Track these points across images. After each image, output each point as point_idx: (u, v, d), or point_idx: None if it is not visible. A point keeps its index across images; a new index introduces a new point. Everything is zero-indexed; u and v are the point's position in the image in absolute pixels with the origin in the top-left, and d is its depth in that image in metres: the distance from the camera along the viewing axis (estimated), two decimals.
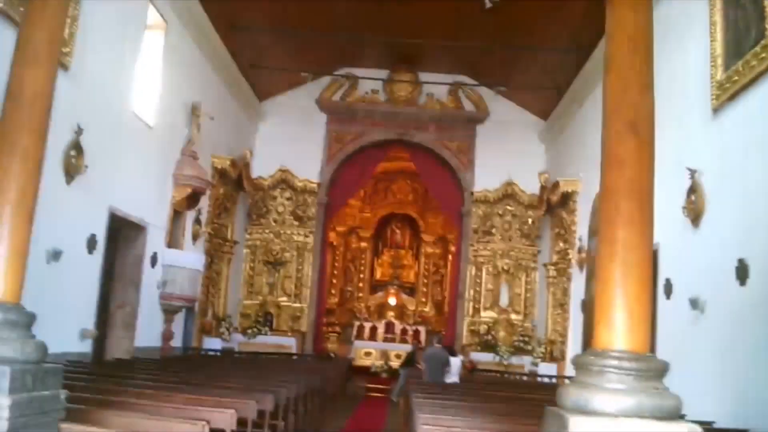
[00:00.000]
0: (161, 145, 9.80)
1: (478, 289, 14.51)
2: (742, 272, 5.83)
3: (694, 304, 6.64)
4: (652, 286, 2.84)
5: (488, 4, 9.96)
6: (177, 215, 10.49)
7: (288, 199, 14.77)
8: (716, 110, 6.57)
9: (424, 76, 14.91)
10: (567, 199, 12.10)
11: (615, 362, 2.61)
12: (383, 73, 14.95)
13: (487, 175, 14.77)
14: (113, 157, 8.20)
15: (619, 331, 2.66)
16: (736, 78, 6.07)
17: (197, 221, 11.32)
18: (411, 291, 20.29)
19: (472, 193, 14.71)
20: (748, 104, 5.98)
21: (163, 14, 9.46)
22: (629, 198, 2.77)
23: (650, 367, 2.60)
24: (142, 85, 9.15)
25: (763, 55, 5.58)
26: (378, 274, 20.68)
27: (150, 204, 9.53)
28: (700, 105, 6.91)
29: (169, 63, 9.83)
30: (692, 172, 6.86)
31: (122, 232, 9.07)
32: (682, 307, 6.99)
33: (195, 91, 10.90)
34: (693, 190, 6.90)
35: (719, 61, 6.58)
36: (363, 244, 20.72)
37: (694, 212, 6.87)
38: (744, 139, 6.04)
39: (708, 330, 6.55)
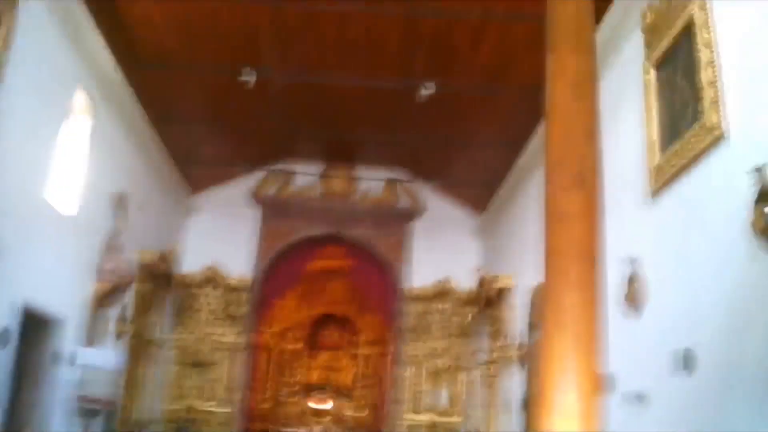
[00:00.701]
0: (82, 237, 9.29)
1: (416, 389, 14.01)
2: (689, 361, 5.60)
3: (639, 398, 6.36)
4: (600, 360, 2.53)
5: (422, 98, 10.04)
6: (98, 311, 9.87)
7: (218, 297, 14.17)
8: (655, 195, 6.48)
9: (360, 172, 14.81)
10: (503, 294, 11.89)
11: None
12: (319, 168, 14.79)
13: (422, 271, 14.53)
14: (28, 247, 7.69)
15: (567, 413, 2.31)
16: (674, 161, 6.01)
17: (122, 318, 10.69)
18: (348, 394, 19.54)
19: (407, 291, 14.40)
20: (687, 187, 5.89)
21: (91, 98, 9.13)
22: (578, 259, 2.48)
23: None
24: (64, 171, 8.72)
25: (700, 135, 5.52)
26: (314, 377, 19.92)
27: (68, 298, 8.95)
28: (637, 191, 6.83)
29: (95, 150, 9.44)
30: (632, 261, 6.72)
31: (36, 328, 8.43)
32: (624, 403, 6.71)
33: (122, 181, 10.50)
34: (633, 279, 6.73)
35: (656, 146, 6.54)
36: (297, 346, 19.99)
37: (636, 301, 6.68)
38: (684, 223, 5.92)
39: (654, 423, 6.26)
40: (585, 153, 2.61)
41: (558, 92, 2.67)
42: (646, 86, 6.86)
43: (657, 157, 6.50)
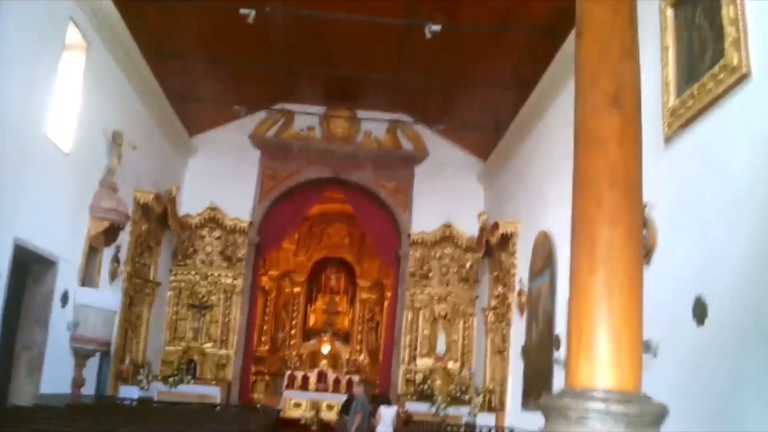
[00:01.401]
0: (77, 174, 9.04)
1: (414, 335, 13.90)
2: (699, 311, 5.41)
3: (646, 347, 6.19)
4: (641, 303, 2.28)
5: (428, 35, 9.69)
6: (93, 251, 9.69)
7: (217, 238, 13.98)
8: (669, 139, 6.22)
9: (362, 114, 14.49)
10: (506, 240, 11.70)
11: (600, 405, 2.01)
12: (320, 110, 14.47)
13: (425, 216, 14.31)
14: (21, 183, 7.44)
15: (602, 364, 2.07)
16: (690, 103, 5.73)
17: (116, 259, 10.51)
18: (345, 338, 19.60)
19: (409, 236, 14.19)
20: (704, 130, 5.63)
21: (84, 33, 8.78)
22: (613, 187, 2.21)
23: (645, 411, 2.02)
24: (59, 108, 8.43)
25: (721, 76, 5.24)
26: (311, 321, 19.95)
27: (62, 237, 8.73)
28: (651, 134, 6.55)
29: (90, 87, 9.13)
30: (643, 205, 6.49)
31: (30, 267, 8.26)
32: None
33: (118, 119, 10.19)
34: (643, 224, 6.51)
35: (671, 87, 6.25)
36: (296, 290, 20.00)
37: (645, 248, 6.47)
38: (699, 168, 5.67)
39: (662, 375, 6.10)
40: (622, 70, 2.32)
41: (592, 3, 2.36)
42: (662, 25, 6.52)
43: (672, 100, 6.22)
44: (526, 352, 10.29)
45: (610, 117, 2.29)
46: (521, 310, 10.80)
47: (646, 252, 6.45)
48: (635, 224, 2.24)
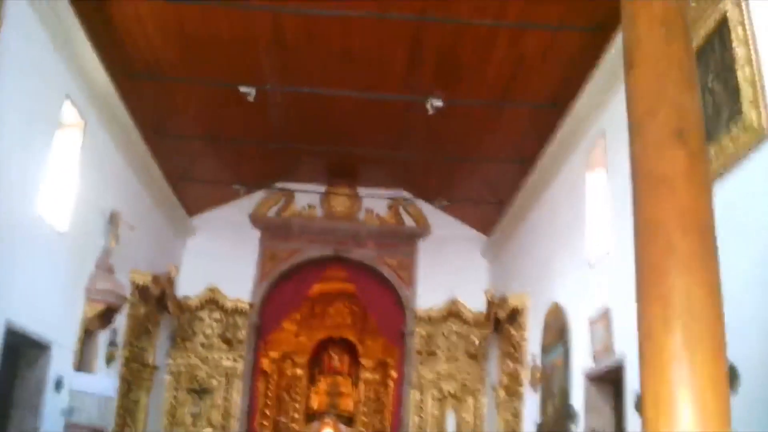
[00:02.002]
0: (73, 255, 8.79)
1: (422, 415, 13.40)
2: (731, 377, 5.09)
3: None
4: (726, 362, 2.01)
5: (430, 110, 9.61)
6: (88, 335, 9.35)
7: (217, 320, 13.62)
8: None
9: (363, 191, 14.36)
10: (515, 315, 11.39)
11: None
12: (321, 188, 14.33)
13: (429, 293, 13.99)
14: (14, 264, 7.18)
15: None
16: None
17: (113, 343, 10.16)
18: (349, 421, 19.04)
19: (415, 313, 13.85)
20: (723, 192, 5.40)
21: (80, 111, 8.66)
22: (684, 230, 1.96)
23: None
24: (54, 187, 8.26)
25: (739, 136, 5.10)
26: (315, 404, 19.42)
27: (56, 320, 8.40)
28: None
29: (87, 166, 8.96)
30: None
31: (22, 351, 7.92)
32: None
33: (115, 199, 10.01)
34: None
35: None
36: (298, 371, 19.53)
37: None
38: (722, 231, 5.43)
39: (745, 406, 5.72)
40: (683, 103, 2.09)
41: (644, 33, 2.15)
42: None
43: None
44: (541, 430, 9.86)
45: (674, 153, 2.05)
46: (534, 387, 10.41)
47: None
48: (713, 272, 1.98)
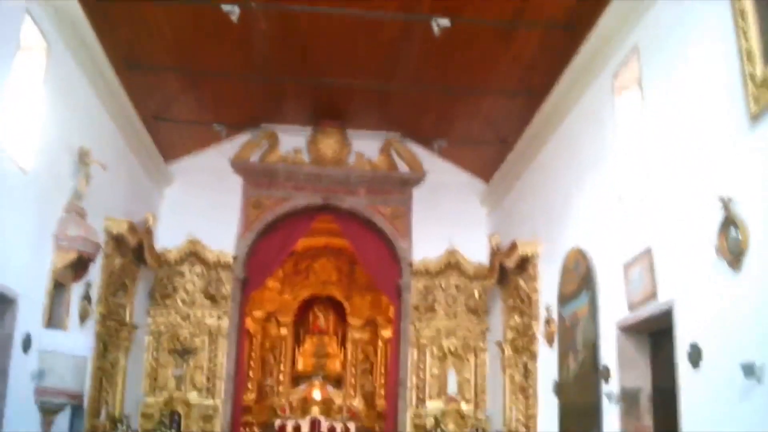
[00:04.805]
0: (39, 197, 7.72)
1: (421, 375, 12.55)
2: None
3: (747, 370, 4.98)
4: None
5: (436, 30, 8.65)
6: (59, 288, 8.31)
7: (198, 275, 12.61)
8: (756, 117, 5.10)
9: (353, 134, 13.34)
10: (525, 264, 10.51)
11: None
12: (308, 130, 13.28)
13: (426, 243, 13.07)
14: None
15: None
16: None
17: (86, 298, 9.14)
18: (337, 382, 18.26)
19: (410, 264, 12.93)
20: None
21: (43, 31, 7.54)
22: None
23: None
24: (15, 119, 7.17)
25: None
26: (300, 365, 18.60)
27: (22, 270, 7.36)
28: (730, 114, 5.44)
29: (52, 96, 7.87)
30: (725, 202, 5.34)
31: None
32: (719, 378, 5.38)
33: (84, 137, 8.89)
34: (729, 222, 5.35)
35: (756, 58, 5.17)
36: (283, 331, 18.67)
37: (733, 252, 5.31)
38: None
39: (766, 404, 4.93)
40: None
41: None
42: None
43: (759, 71, 5.14)
44: (560, 388, 9.04)
45: None
46: (550, 341, 9.57)
47: (734, 257, 5.30)
48: None
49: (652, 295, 6.69)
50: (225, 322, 12.50)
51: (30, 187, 7.48)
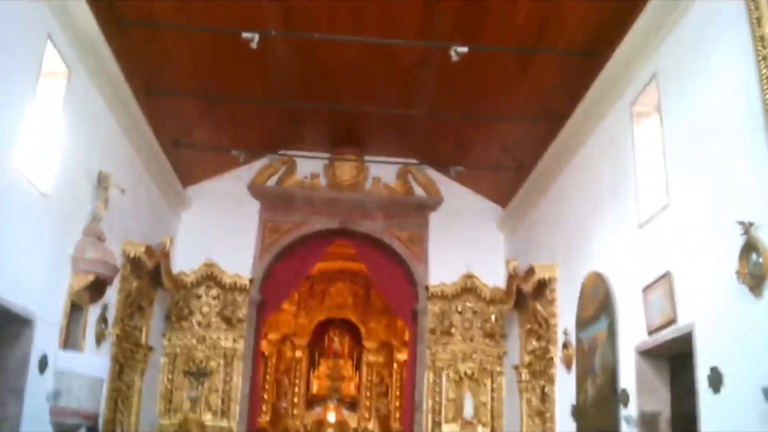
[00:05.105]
0: (58, 220, 7.78)
1: (437, 399, 12.47)
2: None
3: None
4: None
5: (454, 57, 8.66)
6: (76, 310, 8.35)
7: (215, 298, 12.63)
8: None
9: (370, 159, 13.35)
10: (542, 288, 10.46)
11: None
12: (324, 156, 13.32)
13: (442, 267, 13.04)
14: None
15: None
16: None
17: (103, 319, 9.18)
18: (352, 405, 18.18)
19: (427, 288, 12.90)
20: None
21: (64, 57, 7.64)
22: None
23: None
24: (36, 142, 7.24)
25: None
26: (315, 388, 18.53)
27: (40, 292, 7.41)
28: (752, 136, 5.40)
29: (72, 120, 7.95)
30: (746, 226, 5.31)
31: (2, 327, 6.94)
32: (740, 402, 5.32)
33: (103, 161, 8.98)
34: (750, 247, 5.32)
35: None
36: (298, 354, 18.62)
37: (754, 277, 5.26)
38: None
39: None
40: None
41: None
42: (750, 8, 5.47)
43: None
44: (578, 412, 8.95)
45: None
46: (567, 365, 9.50)
47: (755, 282, 5.25)
48: None
49: (672, 319, 6.63)
50: (240, 345, 12.49)
51: (49, 210, 7.54)
